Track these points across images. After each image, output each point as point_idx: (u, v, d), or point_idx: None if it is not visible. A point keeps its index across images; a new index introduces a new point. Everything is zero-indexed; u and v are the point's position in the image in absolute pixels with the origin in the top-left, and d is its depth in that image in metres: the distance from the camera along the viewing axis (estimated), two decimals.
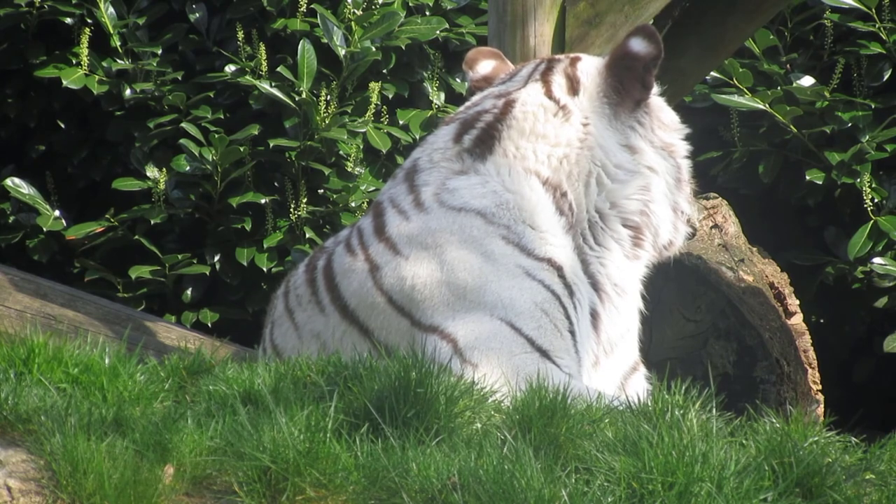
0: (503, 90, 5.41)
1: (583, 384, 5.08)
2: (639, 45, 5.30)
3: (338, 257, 5.34)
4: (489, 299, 5.08)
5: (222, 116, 8.43)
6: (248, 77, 8.28)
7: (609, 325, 5.28)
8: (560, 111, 5.30)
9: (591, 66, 5.38)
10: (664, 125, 5.40)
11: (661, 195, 5.35)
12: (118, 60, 8.48)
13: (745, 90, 8.48)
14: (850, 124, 8.46)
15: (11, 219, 8.56)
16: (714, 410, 4.57)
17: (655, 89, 5.38)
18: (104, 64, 8.48)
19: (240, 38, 8.34)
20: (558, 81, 5.35)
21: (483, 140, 5.31)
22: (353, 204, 8.25)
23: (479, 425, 4.45)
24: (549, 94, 5.33)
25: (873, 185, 8.36)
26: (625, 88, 5.33)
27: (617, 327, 5.30)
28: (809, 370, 6.87)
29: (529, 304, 5.08)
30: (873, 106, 8.51)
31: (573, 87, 5.33)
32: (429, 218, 5.20)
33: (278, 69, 8.24)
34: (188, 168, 8.27)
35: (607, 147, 5.29)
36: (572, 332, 5.13)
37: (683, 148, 5.44)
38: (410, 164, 5.39)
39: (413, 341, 5.05)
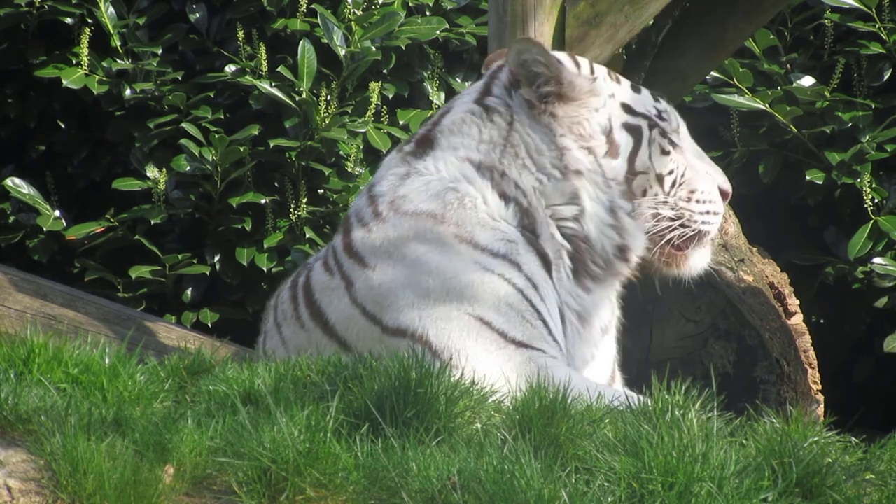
0: (455, 97, 5.58)
1: (572, 370, 5.13)
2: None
3: (315, 274, 5.46)
4: (453, 298, 5.18)
5: (222, 116, 8.42)
6: (248, 77, 8.28)
7: (572, 350, 5.34)
8: (484, 112, 5.42)
9: None
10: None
11: (590, 197, 5.37)
12: (118, 60, 8.48)
13: (745, 90, 8.47)
14: (850, 124, 8.46)
15: (11, 219, 8.56)
16: (714, 410, 4.57)
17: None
18: (104, 64, 8.48)
19: (240, 38, 8.34)
20: (500, 82, 5.46)
21: (420, 143, 5.47)
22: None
23: (479, 425, 4.46)
24: (480, 98, 5.45)
25: (873, 185, 8.36)
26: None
27: (580, 352, 5.36)
28: (809, 370, 6.87)
29: (493, 299, 5.18)
30: (873, 106, 8.51)
31: (512, 86, 5.43)
32: (387, 226, 5.32)
33: (278, 69, 8.24)
34: (188, 168, 8.27)
35: (531, 145, 5.36)
36: (544, 322, 5.20)
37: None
38: (372, 179, 5.56)
39: (386, 347, 5.11)
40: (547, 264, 5.31)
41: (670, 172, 5.43)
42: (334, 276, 5.38)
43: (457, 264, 5.21)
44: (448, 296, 5.18)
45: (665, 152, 5.45)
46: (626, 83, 5.53)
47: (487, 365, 5.06)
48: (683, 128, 5.56)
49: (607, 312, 5.48)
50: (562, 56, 5.52)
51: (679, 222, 5.41)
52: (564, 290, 5.36)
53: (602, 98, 5.42)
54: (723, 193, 5.50)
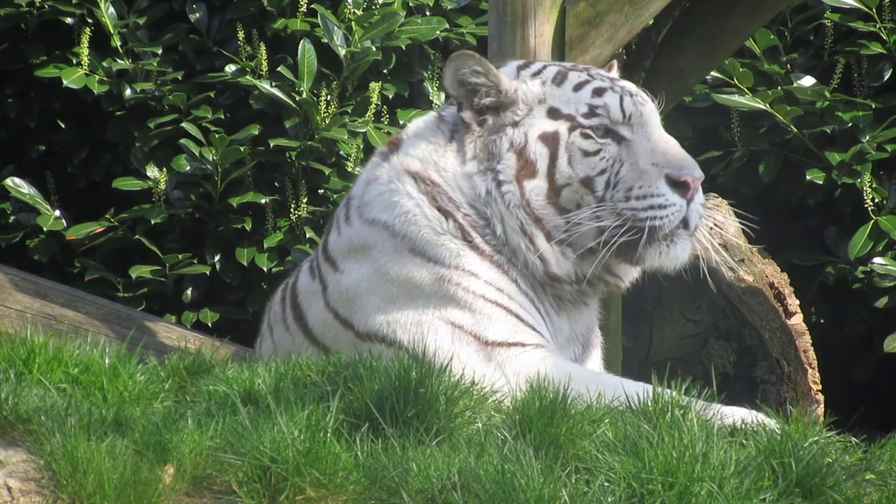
0: None
1: (562, 359, 5.12)
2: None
3: (301, 277, 5.49)
4: (419, 305, 5.17)
5: (222, 116, 8.42)
6: (248, 77, 8.28)
7: None
8: (439, 123, 5.41)
9: None
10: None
11: (501, 223, 5.24)
12: (118, 60, 8.48)
13: (745, 90, 8.47)
14: (850, 124, 8.46)
15: (11, 219, 8.56)
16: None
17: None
18: (104, 64, 8.48)
19: (240, 38, 8.34)
20: None
21: (390, 145, 5.45)
22: None
23: (479, 425, 4.46)
24: (443, 108, 5.44)
25: (874, 185, 8.36)
26: None
27: None
28: (809, 370, 6.87)
29: (458, 305, 5.16)
30: (874, 106, 8.51)
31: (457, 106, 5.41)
32: (352, 231, 5.33)
33: (278, 69, 8.23)
34: (188, 168, 8.27)
35: (457, 164, 5.31)
36: (517, 316, 5.17)
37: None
38: None
39: (360, 352, 5.11)
40: (505, 272, 5.25)
41: (601, 172, 5.20)
42: (315, 278, 5.40)
43: (415, 275, 5.19)
44: (413, 302, 5.16)
45: (589, 153, 5.22)
46: (572, 81, 5.31)
47: (471, 365, 5.05)
48: (645, 117, 5.27)
49: (572, 345, 5.37)
50: (504, 68, 5.39)
51: (626, 227, 5.15)
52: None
53: (527, 107, 5.28)
54: (676, 183, 5.17)
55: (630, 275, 5.35)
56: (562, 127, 5.24)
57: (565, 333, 5.34)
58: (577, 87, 5.29)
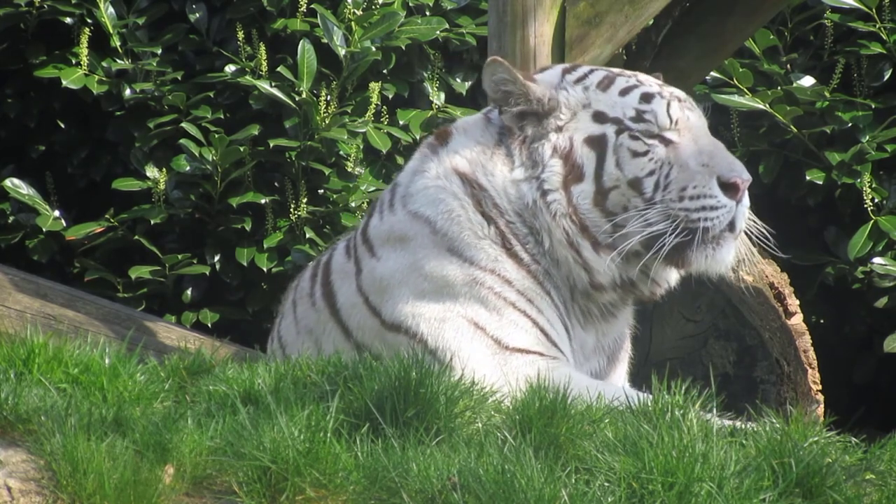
0: None
1: (573, 370, 5.11)
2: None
3: (336, 255, 5.46)
4: (447, 301, 5.16)
5: (222, 116, 8.42)
6: (248, 77, 8.28)
7: None
8: (486, 124, 5.35)
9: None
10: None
11: (547, 232, 5.22)
12: (118, 60, 8.48)
13: (745, 90, 8.47)
14: (850, 124, 8.46)
15: (11, 219, 8.55)
16: (714, 410, 4.57)
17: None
18: (104, 64, 8.48)
19: (240, 38, 8.34)
20: None
21: (439, 137, 5.42)
22: (353, 204, 8.25)
23: (479, 425, 4.46)
24: (491, 109, 5.38)
25: (873, 185, 8.36)
26: None
27: None
28: (809, 370, 6.87)
29: (485, 309, 5.15)
30: (873, 106, 8.51)
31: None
32: (394, 220, 5.32)
33: (278, 69, 8.24)
34: (188, 168, 8.27)
35: (503, 170, 5.28)
36: (541, 329, 5.17)
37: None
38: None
39: (383, 342, 5.12)
40: (540, 283, 5.26)
41: (650, 174, 5.19)
42: (350, 259, 5.39)
43: (449, 274, 5.19)
44: (441, 298, 5.17)
45: (638, 154, 5.21)
46: (619, 85, 5.29)
47: (483, 367, 5.05)
48: (692, 122, 5.28)
49: (597, 357, 5.36)
50: (549, 72, 5.39)
51: (678, 229, 5.15)
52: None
53: (570, 112, 5.26)
54: (727, 185, 5.20)
55: (668, 281, 5.33)
56: (609, 130, 5.23)
57: (590, 346, 5.33)
58: (624, 92, 5.28)
